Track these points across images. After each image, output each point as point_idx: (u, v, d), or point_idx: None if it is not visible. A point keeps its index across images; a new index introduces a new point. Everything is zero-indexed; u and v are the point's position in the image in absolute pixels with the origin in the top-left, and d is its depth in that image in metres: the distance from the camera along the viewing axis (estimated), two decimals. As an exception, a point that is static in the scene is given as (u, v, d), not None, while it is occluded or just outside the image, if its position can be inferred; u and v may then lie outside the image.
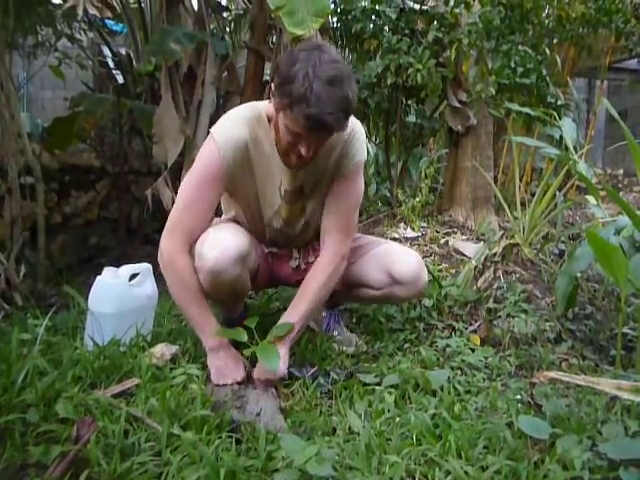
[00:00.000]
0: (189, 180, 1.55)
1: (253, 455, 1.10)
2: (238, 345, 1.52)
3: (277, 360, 1.39)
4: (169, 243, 1.51)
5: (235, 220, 1.73)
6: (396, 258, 1.70)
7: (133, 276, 1.70)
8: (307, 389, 1.43)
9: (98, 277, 1.68)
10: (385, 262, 1.69)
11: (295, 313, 1.55)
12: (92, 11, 2.46)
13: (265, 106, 1.55)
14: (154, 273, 1.75)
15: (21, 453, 1.08)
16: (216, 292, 1.54)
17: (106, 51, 4.27)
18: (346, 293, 1.82)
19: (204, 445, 1.09)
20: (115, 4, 3.25)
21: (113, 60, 4.14)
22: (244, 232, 1.60)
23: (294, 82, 1.32)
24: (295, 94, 1.31)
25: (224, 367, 1.48)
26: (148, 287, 1.73)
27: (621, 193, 4.99)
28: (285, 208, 1.65)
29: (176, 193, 2.80)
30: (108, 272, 1.69)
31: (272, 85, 1.44)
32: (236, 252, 1.48)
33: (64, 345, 1.56)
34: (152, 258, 1.99)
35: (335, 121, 1.34)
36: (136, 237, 3.42)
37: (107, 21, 3.91)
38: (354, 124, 1.59)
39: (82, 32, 3.92)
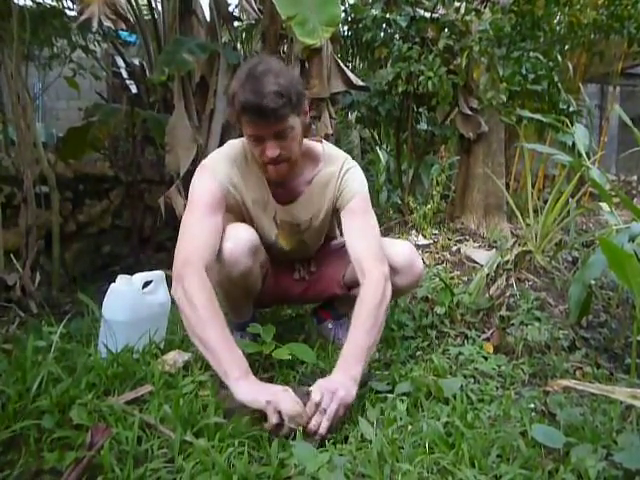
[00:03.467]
0: (191, 214, 1.52)
1: (265, 462, 1.10)
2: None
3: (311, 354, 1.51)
4: (187, 272, 1.40)
5: None
6: (389, 248, 1.70)
7: (146, 284, 1.71)
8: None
9: (112, 285, 1.70)
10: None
11: (355, 345, 1.41)
12: (107, 23, 2.50)
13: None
14: (167, 281, 1.76)
15: (36, 459, 1.08)
16: (230, 286, 1.58)
17: (120, 62, 4.34)
18: (348, 297, 1.82)
19: (217, 452, 1.09)
20: (129, 16, 3.30)
21: (126, 70, 4.21)
22: (254, 230, 1.62)
23: (234, 87, 1.43)
24: (234, 93, 1.42)
25: (259, 384, 1.30)
26: (161, 295, 1.74)
27: (635, 200, 4.95)
28: (283, 236, 1.71)
29: (188, 201, 2.82)
30: (122, 280, 1.70)
31: None
32: (249, 242, 1.54)
33: (78, 352, 1.57)
34: (164, 266, 2.02)
35: (272, 102, 1.37)
36: (148, 245, 3.46)
37: (121, 32, 3.98)
38: (346, 159, 1.68)
39: (96, 43, 3.98)
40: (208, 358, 1.32)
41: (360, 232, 1.61)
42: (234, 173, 1.58)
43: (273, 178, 1.57)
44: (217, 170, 1.56)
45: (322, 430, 1.22)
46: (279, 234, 1.70)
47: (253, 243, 1.56)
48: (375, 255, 1.57)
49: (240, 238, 1.54)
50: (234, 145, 1.64)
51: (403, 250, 1.72)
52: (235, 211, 1.63)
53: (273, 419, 1.20)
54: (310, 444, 1.16)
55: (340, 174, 1.65)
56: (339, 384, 1.31)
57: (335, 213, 1.71)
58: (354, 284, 1.77)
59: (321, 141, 1.72)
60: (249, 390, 1.26)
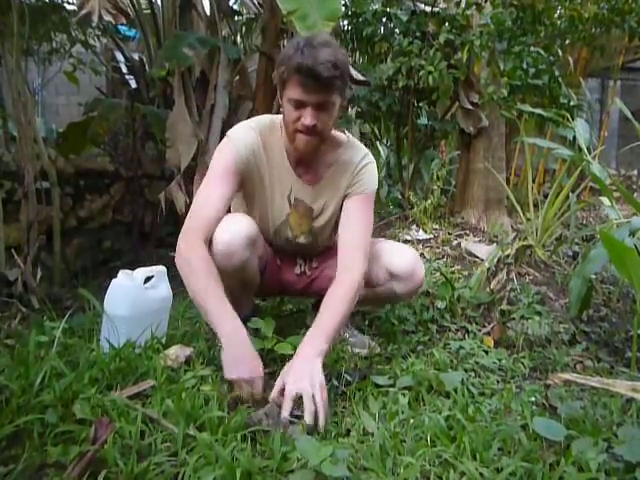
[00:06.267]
0: (204, 184, 1.58)
1: (268, 456, 1.10)
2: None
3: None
4: (186, 240, 1.50)
5: None
6: (392, 254, 1.72)
7: (148, 279, 1.71)
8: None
9: (113, 280, 1.70)
10: (382, 259, 1.70)
11: (321, 331, 1.46)
12: (107, 18, 2.49)
13: (280, 117, 1.62)
14: (168, 275, 1.77)
15: (40, 453, 1.08)
16: (226, 278, 1.56)
17: (119, 56, 4.32)
18: None
19: (220, 446, 1.09)
20: (128, 10, 3.29)
21: (126, 65, 4.20)
22: (254, 221, 1.63)
23: (288, 51, 1.47)
24: (288, 56, 1.45)
25: (240, 357, 1.39)
26: (163, 290, 1.74)
27: (635, 194, 4.95)
28: (294, 217, 1.70)
29: (189, 196, 2.83)
30: (123, 275, 1.70)
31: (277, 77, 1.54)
32: (246, 235, 1.54)
33: (80, 347, 1.57)
34: (165, 261, 2.01)
35: (326, 71, 1.40)
36: (149, 240, 3.46)
37: (120, 27, 3.97)
38: (367, 154, 1.71)
39: (96, 38, 3.97)
40: (208, 322, 1.45)
41: (358, 224, 1.63)
42: (257, 142, 1.60)
43: (300, 149, 1.57)
44: (238, 140, 1.58)
45: (321, 422, 1.24)
46: (291, 214, 1.69)
47: (250, 235, 1.56)
48: (358, 247, 1.60)
49: (237, 230, 1.53)
50: (264, 117, 1.69)
51: (406, 257, 1.72)
52: (252, 181, 1.64)
53: (232, 394, 1.33)
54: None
55: (359, 165, 1.67)
56: (307, 372, 1.33)
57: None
58: None
59: (344, 131, 1.74)
60: (229, 359, 1.39)
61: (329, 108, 1.50)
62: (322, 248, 1.84)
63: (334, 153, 1.68)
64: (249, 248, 1.56)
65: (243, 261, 1.56)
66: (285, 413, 1.24)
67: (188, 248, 1.48)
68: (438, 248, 2.85)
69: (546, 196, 2.83)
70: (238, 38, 3.86)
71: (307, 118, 1.48)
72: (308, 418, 1.22)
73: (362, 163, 1.68)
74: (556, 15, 3.63)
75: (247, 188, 1.66)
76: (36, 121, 2.81)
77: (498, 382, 1.58)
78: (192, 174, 2.91)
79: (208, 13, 3.34)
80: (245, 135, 1.60)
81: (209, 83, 3.05)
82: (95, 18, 2.46)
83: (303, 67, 1.41)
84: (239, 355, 1.39)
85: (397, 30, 3.27)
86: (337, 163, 1.68)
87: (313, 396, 1.27)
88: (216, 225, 1.53)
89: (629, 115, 2.16)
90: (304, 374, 1.32)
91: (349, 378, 1.49)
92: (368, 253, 1.63)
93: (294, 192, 1.67)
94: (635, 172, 6.35)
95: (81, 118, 3.54)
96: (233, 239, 1.52)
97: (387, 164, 4.41)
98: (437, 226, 3.20)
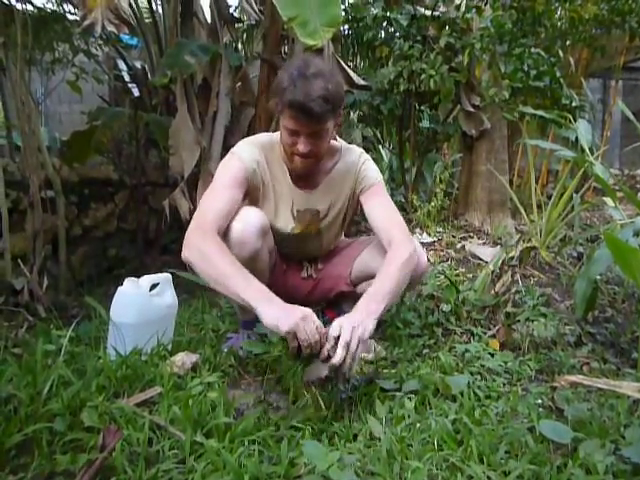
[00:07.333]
0: (209, 191, 1.60)
1: (276, 462, 1.11)
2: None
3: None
4: (194, 234, 1.47)
5: None
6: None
7: (153, 286, 1.71)
8: (327, 395, 1.43)
9: (119, 288, 1.70)
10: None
11: (380, 289, 1.48)
12: (110, 28, 2.51)
13: (276, 135, 1.70)
14: (174, 283, 1.77)
15: (49, 462, 1.09)
16: None
17: (122, 65, 4.34)
18: (353, 294, 1.85)
19: (227, 452, 1.10)
20: (130, 20, 3.31)
21: (129, 74, 4.22)
22: (264, 214, 1.66)
23: (282, 82, 1.51)
24: (282, 89, 1.50)
25: (282, 309, 1.34)
26: (168, 297, 1.75)
27: (639, 194, 4.93)
28: (299, 228, 1.75)
29: (193, 203, 2.83)
30: (129, 283, 1.70)
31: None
32: (259, 225, 1.58)
33: (87, 355, 1.57)
34: (170, 268, 2.02)
35: (318, 107, 1.46)
36: (154, 248, 3.46)
37: (122, 35, 3.98)
38: (362, 152, 1.82)
39: (98, 47, 3.99)
40: (233, 297, 1.40)
41: (383, 207, 1.73)
42: (260, 156, 1.67)
43: (298, 169, 1.65)
44: (243, 153, 1.64)
45: (337, 358, 1.29)
46: (296, 227, 1.75)
47: (263, 225, 1.60)
48: (400, 225, 1.68)
49: (250, 220, 1.57)
50: (263, 135, 1.77)
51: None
52: (257, 195, 1.69)
53: (293, 344, 1.31)
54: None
55: (359, 164, 1.78)
56: (357, 321, 1.36)
57: (353, 202, 1.80)
58: (360, 280, 1.83)
59: (335, 137, 1.79)
60: (272, 316, 1.32)
61: (323, 135, 1.58)
62: (327, 249, 1.91)
63: (331, 161, 1.76)
64: (261, 238, 1.60)
65: (255, 251, 1.58)
66: (325, 352, 1.32)
67: (198, 238, 1.46)
68: (442, 251, 2.85)
69: (549, 197, 2.83)
70: (239, 45, 3.88)
71: (301, 146, 1.56)
72: (339, 353, 1.29)
73: (361, 161, 1.78)
74: (556, 16, 3.63)
75: (253, 201, 1.70)
76: (40, 130, 2.82)
77: (504, 385, 1.58)
78: (195, 181, 2.92)
79: (209, 21, 3.35)
80: (250, 150, 1.66)
81: (211, 90, 3.06)
82: (98, 29, 2.47)
83: (295, 103, 1.47)
84: (279, 309, 1.34)
85: (397, 34, 3.28)
86: (336, 167, 1.76)
87: (348, 344, 1.31)
88: (226, 222, 1.53)
89: (631, 117, 2.16)
90: (358, 323, 1.36)
91: (355, 383, 1.49)
92: (406, 227, 1.71)
93: (296, 205, 1.73)
94: (638, 171, 6.33)
95: (84, 127, 3.56)
96: (246, 228, 1.55)
97: (390, 167, 4.41)
98: (441, 229, 3.20)
